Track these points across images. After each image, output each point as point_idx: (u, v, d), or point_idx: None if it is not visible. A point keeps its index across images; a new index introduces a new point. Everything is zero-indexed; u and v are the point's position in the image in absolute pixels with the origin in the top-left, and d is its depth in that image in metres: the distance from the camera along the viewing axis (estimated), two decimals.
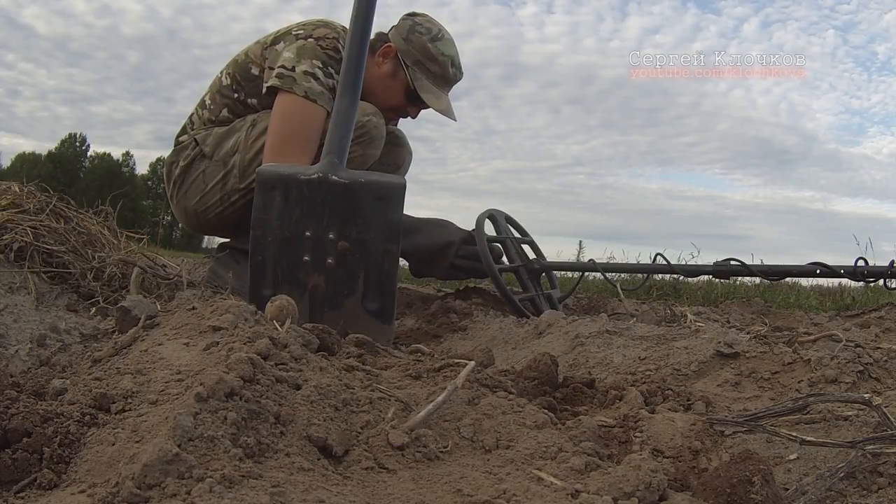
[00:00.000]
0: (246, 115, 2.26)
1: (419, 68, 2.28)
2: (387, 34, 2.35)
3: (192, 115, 2.42)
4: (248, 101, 2.27)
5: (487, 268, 2.39)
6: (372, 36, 2.36)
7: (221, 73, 2.36)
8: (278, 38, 2.24)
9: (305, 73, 2.07)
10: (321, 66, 2.09)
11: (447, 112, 2.37)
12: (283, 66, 2.10)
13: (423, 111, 2.45)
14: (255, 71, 2.26)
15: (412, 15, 2.36)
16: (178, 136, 2.42)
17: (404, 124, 2.76)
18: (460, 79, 2.41)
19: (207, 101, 2.36)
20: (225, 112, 2.32)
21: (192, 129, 2.38)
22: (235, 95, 2.30)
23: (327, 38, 2.14)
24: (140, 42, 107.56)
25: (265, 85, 2.16)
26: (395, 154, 2.52)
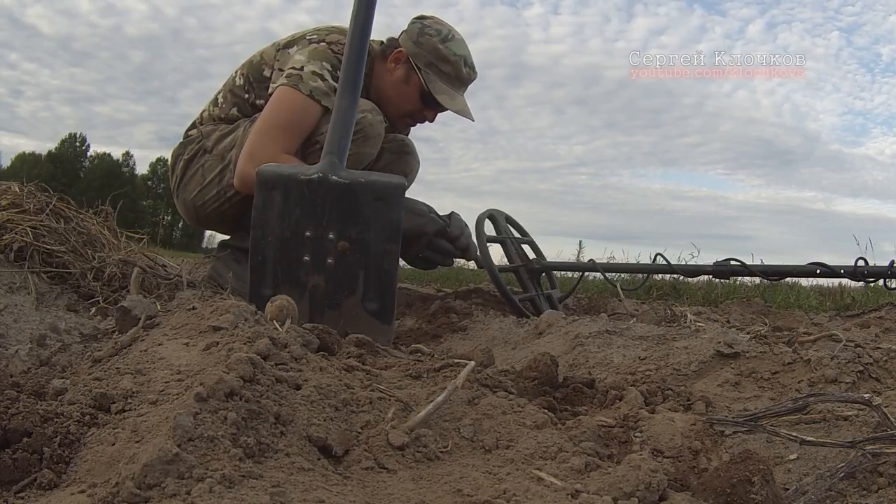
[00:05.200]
0: (253, 115, 2.27)
1: (432, 70, 2.28)
2: (397, 39, 2.35)
3: (204, 111, 2.44)
4: (257, 102, 2.28)
5: (487, 268, 2.39)
6: (383, 41, 2.38)
7: (236, 72, 2.38)
8: (292, 41, 2.26)
9: (313, 73, 2.08)
10: (330, 68, 2.10)
11: (464, 112, 2.35)
12: (292, 68, 2.11)
13: (440, 114, 2.44)
14: (266, 73, 2.27)
15: (421, 18, 2.36)
16: (188, 130, 2.44)
17: None
18: (474, 78, 2.39)
19: (220, 99, 2.39)
20: (234, 111, 2.33)
21: (202, 124, 2.40)
22: (246, 96, 2.31)
23: (339, 43, 2.14)
24: (144, 42, 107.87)
25: (272, 86, 2.17)
26: (404, 162, 2.52)
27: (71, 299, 1.50)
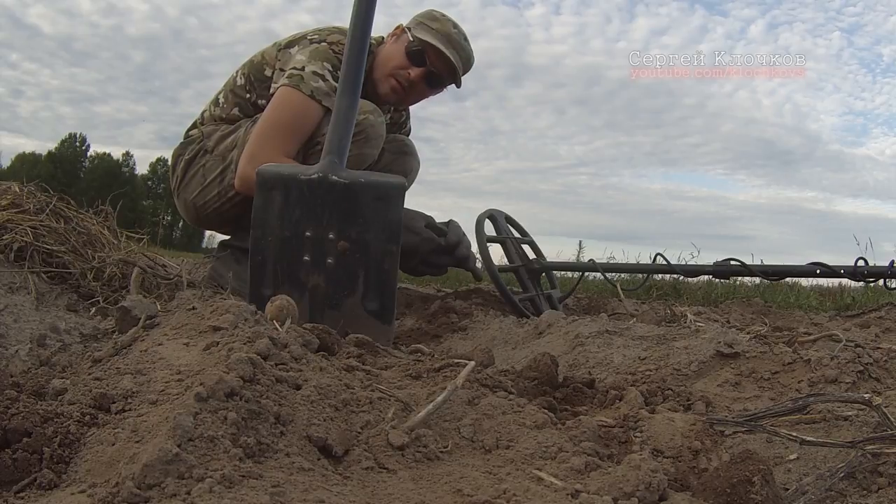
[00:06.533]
0: (255, 115, 2.27)
1: (421, 26, 2.31)
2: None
3: (205, 111, 2.44)
4: (259, 101, 2.29)
5: (487, 268, 2.39)
6: (383, 37, 2.39)
7: (237, 72, 2.38)
8: (293, 41, 2.27)
9: (314, 73, 2.09)
10: (331, 68, 2.11)
11: (443, 50, 2.26)
12: (293, 68, 2.12)
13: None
14: (268, 72, 2.28)
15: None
16: (188, 130, 2.44)
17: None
18: (469, 52, 2.36)
19: (220, 99, 2.39)
20: (236, 111, 2.34)
21: (203, 124, 2.40)
22: (247, 96, 2.32)
23: (340, 44, 2.15)
24: (145, 42, 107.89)
25: (274, 86, 2.17)
26: (404, 162, 2.52)
27: (71, 299, 1.50)
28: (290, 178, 1.46)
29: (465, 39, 2.34)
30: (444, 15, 2.34)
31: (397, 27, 2.35)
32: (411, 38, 2.28)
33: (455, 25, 2.33)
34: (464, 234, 2.31)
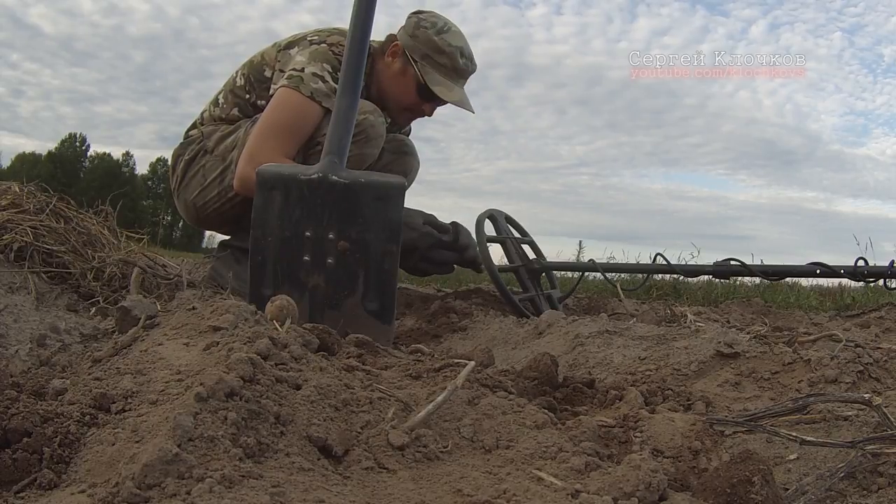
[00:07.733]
0: (255, 116, 2.27)
1: (428, 62, 2.26)
2: (395, 35, 2.35)
3: (204, 111, 2.44)
4: (258, 102, 2.29)
5: (487, 268, 2.39)
6: (382, 38, 2.38)
7: (237, 72, 2.38)
8: (293, 42, 2.27)
9: (314, 74, 2.08)
10: (331, 70, 2.11)
11: (462, 103, 2.31)
12: (293, 69, 2.12)
13: (440, 108, 2.41)
14: (267, 73, 2.28)
15: (417, 12, 2.35)
16: (188, 130, 2.45)
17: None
18: (473, 70, 2.36)
19: (220, 100, 2.39)
20: (235, 111, 2.33)
21: (203, 125, 2.40)
22: (247, 97, 2.32)
23: (340, 45, 2.14)
24: (146, 42, 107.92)
25: (273, 87, 2.17)
26: (404, 162, 2.52)
27: (71, 299, 1.50)
28: (290, 178, 1.46)
29: (470, 56, 2.32)
30: (441, 35, 2.25)
31: (394, 44, 2.29)
32: (420, 78, 2.24)
33: (462, 51, 2.28)
34: (472, 238, 2.35)
